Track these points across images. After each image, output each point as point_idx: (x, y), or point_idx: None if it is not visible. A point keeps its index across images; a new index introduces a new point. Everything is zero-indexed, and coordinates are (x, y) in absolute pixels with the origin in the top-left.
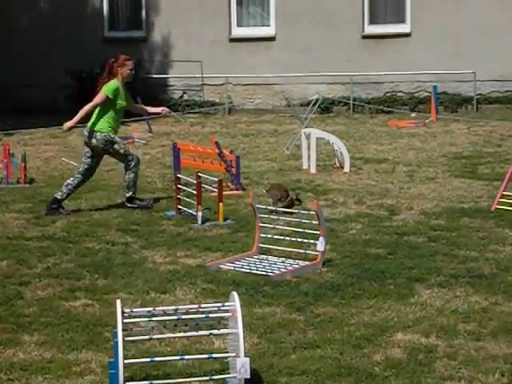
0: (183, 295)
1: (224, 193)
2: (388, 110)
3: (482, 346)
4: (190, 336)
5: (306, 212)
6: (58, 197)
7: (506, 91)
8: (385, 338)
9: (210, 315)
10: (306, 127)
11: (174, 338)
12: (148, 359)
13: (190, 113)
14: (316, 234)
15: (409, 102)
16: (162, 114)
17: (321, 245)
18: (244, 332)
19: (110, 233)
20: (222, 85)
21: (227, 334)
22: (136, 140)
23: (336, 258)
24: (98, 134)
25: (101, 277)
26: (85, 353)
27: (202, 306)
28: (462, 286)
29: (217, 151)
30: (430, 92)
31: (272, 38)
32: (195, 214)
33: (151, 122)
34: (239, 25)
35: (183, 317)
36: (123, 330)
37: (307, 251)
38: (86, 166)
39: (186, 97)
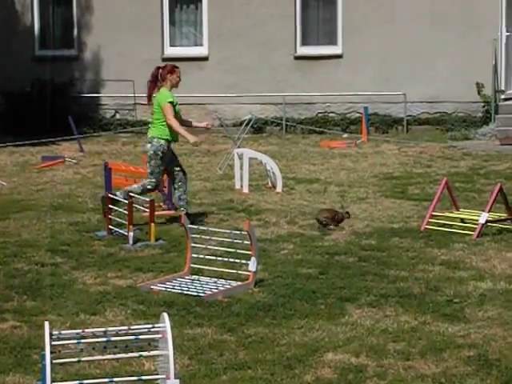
0: (113, 316)
1: (156, 213)
2: (320, 130)
3: (411, 365)
4: (120, 358)
5: (238, 232)
6: (185, 210)
7: (435, 112)
8: (315, 358)
9: (140, 337)
10: (238, 147)
11: (104, 360)
12: (77, 382)
13: (122, 132)
14: (248, 254)
15: (340, 123)
16: (207, 127)
17: (253, 265)
18: (175, 353)
19: (39, 253)
20: None
21: (157, 355)
22: (67, 159)
23: (268, 277)
24: (154, 140)
25: (29, 298)
26: (12, 376)
27: (132, 327)
28: (392, 305)
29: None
30: (361, 113)
31: (205, 58)
32: (126, 234)
33: (82, 141)
34: (172, 44)
35: (113, 339)
36: (51, 352)
37: (239, 271)
38: (176, 175)
39: (118, 116)
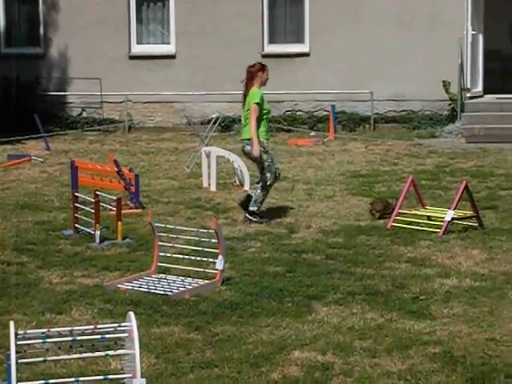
0: (80, 316)
1: (123, 211)
2: (288, 128)
3: (377, 362)
4: (86, 357)
5: (205, 230)
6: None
7: (402, 111)
8: (282, 356)
9: (106, 336)
10: (206, 145)
11: (70, 359)
12: (42, 381)
13: (88, 130)
14: (215, 252)
15: (308, 121)
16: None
17: (220, 263)
18: (141, 352)
19: (5, 252)
20: (121, 102)
21: (124, 354)
22: (33, 158)
23: (235, 276)
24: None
25: None
26: None
27: (98, 326)
28: (359, 303)
29: (116, 169)
30: (328, 111)
31: (172, 56)
32: (93, 232)
33: (49, 140)
34: (139, 42)
35: (78, 338)
36: (17, 352)
37: (206, 270)
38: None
39: (84, 114)
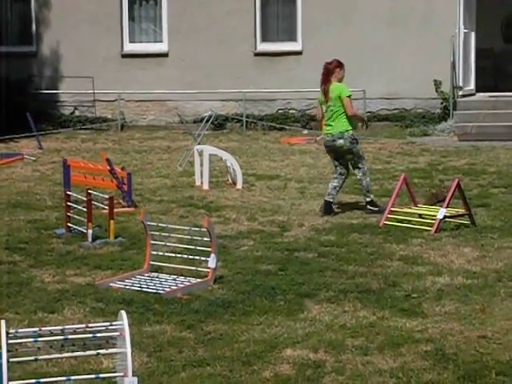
0: (72, 314)
1: (115, 210)
2: (280, 126)
3: (369, 360)
4: (77, 356)
5: (198, 229)
6: (331, 199)
7: (394, 109)
8: (274, 355)
9: (98, 335)
10: (199, 144)
11: (61, 358)
12: (34, 380)
13: (81, 129)
14: (207, 250)
15: (300, 119)
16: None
17: (212, 262)
18: (133, 351)
19: None
20: (114, 101)
21: (115, 353)
22: (25, 156)
23: (227, 274)
24: (345, 133)
25: None
26: None
27: (90, 325)
28: (351, 301)
29: (108, 168)
30: None
31: (165, 55)
32: (85, 231)
33: (41, 139)
34: (131, 40)
35: (70, 336)
36: (8, 351)
37: (198, 268)
38: (340, 168)
39: (77, 113)
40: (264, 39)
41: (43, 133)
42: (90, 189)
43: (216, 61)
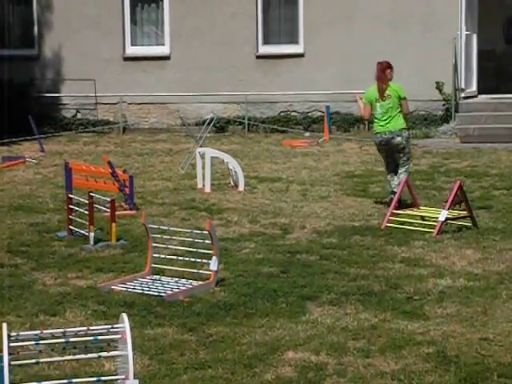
0: (73, 317)
1: (117, 213)
2: (282, 129)
3: (370, 362)
4: (79, 359)
5: (199, 231)
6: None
7: None
8: (276, 357)
9: (100, 337)
10: (200, 146)
11: (63, 361)
12: (35, 383)
13: (83, 132)
14: (209, 253)
15: (302, 122)
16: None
17: (214, 264)
18: (135, 353)
19: None
20: (116, 104)
21: (117, 356)
22: (27, 159)
23: (229, 277)
24: (404, 131)
25: None
26: None
27: (91, 328)
28: (353, 303)
29: (109, 171)
30: (322, 112)
31: (167, 57)
32: (87, 234)
33: (43, 141)
34: (133, 43)
35: (72, 339)
36: (10, 353)
37: (200, 271)
38: (393, 165)
39: (79, 116)
40: (266, 42)
41: (45, 136)
42: (91, 191)
43: (218, 63)
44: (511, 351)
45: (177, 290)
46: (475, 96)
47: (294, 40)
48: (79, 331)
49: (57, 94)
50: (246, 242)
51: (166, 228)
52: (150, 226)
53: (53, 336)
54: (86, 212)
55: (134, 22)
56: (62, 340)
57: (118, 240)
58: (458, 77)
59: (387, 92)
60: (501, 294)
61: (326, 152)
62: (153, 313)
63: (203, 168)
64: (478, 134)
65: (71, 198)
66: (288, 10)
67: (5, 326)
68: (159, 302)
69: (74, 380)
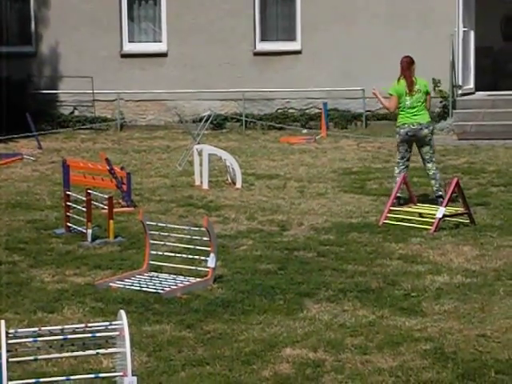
0: (71, 314)
1: (115, 210)
2: (280, 126)
3: (368, 359)
4: (77, 356)
5: (197, 228)
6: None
7: None
8: (274, 354)
9: (97, 334)
10: (198, 143)
11: (61, 357)
12: (34, 380)
13: (81, 129)
14: (207, 250)
15: (300, 119)
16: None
17: (211, 261)
18: (133, 350)
19: None
20: (113, 101)
21: (115, 353)
22: (25, 156)
23: (227, 274)
24: (430, 124)
25: None
26: None
27: (89, 325)
28: (350, 300)
29: (107, 168)
30: (320, 109)
31: (164, 54)
32: (85, 231)
33: (40, 138)
34: (131, 40)
35: (70, 336)
36: (8, 350)
37: (198, 268)
38: (407, 161)
39: (76, 113)
40: (263, 38)
41: (43, 133)
42: (89, 189)
43: (215, 60)
44: (509, 347)
45: (175, 287)
46: (473, 93)
47: (291, 37)
48: (77, 328)
49: (54, 91)
50: (243, 239)
51: (163, 225)
52: (148, 223)
53: (51, 333)
54: (84, 209)
55: (131, 18)
56: (60, 337)
57: (115, 237)
58: (456, 74)
59: (417, 86)
60: (498, 290)
61: (324, 149)
62: (151, 310)
63: (201, 165)
64: (476, 130)
65: (69, 195)
66: (285, 6)
67: (3, 322)
68: (157, 299)
69: (72, 377)
